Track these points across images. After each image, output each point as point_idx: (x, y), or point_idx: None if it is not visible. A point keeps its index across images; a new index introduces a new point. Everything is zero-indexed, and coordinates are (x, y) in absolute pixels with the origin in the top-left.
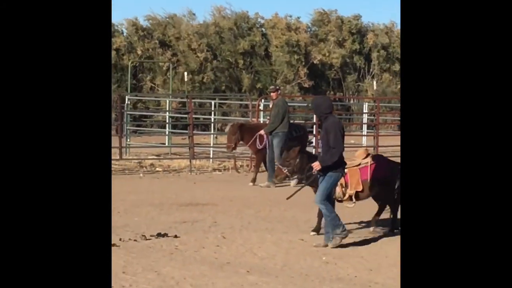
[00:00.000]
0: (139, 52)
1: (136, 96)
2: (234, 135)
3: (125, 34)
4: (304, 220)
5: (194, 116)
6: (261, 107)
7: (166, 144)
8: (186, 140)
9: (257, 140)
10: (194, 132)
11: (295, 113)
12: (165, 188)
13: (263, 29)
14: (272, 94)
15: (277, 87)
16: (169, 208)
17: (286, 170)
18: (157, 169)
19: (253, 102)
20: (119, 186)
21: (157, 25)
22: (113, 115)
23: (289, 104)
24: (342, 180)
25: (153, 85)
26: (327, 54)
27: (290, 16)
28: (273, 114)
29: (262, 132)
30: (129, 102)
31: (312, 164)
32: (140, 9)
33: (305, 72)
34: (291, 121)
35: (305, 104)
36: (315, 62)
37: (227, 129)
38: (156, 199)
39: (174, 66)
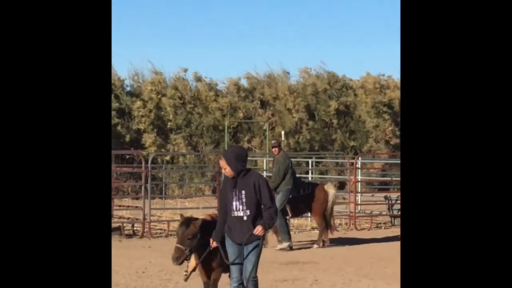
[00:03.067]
0: (241, 113)
1: None
2: None
3: (226, 93)
4: None
5: None
6: (358, 165)
7: None
8: None
9: None
10: None
11: (391, 170)
12: (265, 247)
13: (354, 90)
14: (273, 149)
15: (278, 142)
16: (269, 266)
17: (188, 250)
18: None
19: (351, 161)
20: None
21: (257, 84)
22: (210, 176)
23: (381, 161)
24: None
25: (250, 146)
26: None
27: (383, 75)
28: (274, 171)
29: None
30: None
31: (255, 231)
32: (239, 68)
33: (392, 129)
34: (302, 179)
35: (397, 161)
36: None
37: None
38: None
39: (273, 126)
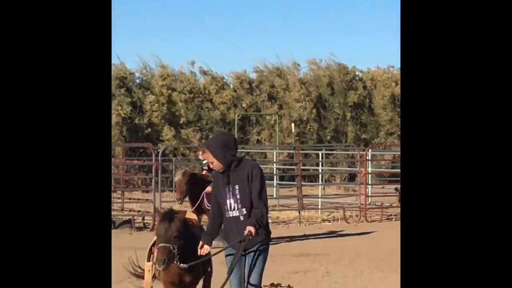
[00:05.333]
0: (244, 105)
1: (243, 148)
2: (186, 184)
3: (232, 87)
4: None
5: (301, 167)
6: (369, 157)
7: (274, 196)
8: (293, 191)
9: (205, 199)
10: (302, 183)
11: (397, 162)
12: (276, 239)
13: (366, 82)
14: None
15: None
16: (281, 258)
17: (176, 248)
18: None
19: (361, 152)
20: None
21: (265, 78)
22: None
23: (391, 153)
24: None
25: (259, 138)
26: None
27: (393, 67)
28: None
29: (209, 189)
30: None
31: (248, 230)
32: (246, 61)
33: None
34: None
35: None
36: None
37: (176, 177)
38: None
39: (281, 118)
